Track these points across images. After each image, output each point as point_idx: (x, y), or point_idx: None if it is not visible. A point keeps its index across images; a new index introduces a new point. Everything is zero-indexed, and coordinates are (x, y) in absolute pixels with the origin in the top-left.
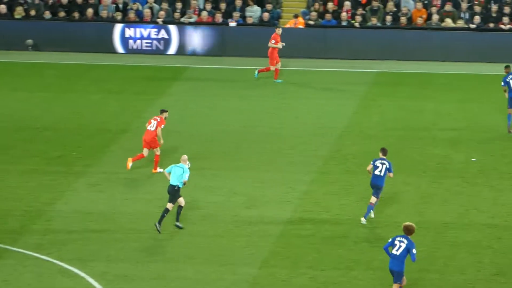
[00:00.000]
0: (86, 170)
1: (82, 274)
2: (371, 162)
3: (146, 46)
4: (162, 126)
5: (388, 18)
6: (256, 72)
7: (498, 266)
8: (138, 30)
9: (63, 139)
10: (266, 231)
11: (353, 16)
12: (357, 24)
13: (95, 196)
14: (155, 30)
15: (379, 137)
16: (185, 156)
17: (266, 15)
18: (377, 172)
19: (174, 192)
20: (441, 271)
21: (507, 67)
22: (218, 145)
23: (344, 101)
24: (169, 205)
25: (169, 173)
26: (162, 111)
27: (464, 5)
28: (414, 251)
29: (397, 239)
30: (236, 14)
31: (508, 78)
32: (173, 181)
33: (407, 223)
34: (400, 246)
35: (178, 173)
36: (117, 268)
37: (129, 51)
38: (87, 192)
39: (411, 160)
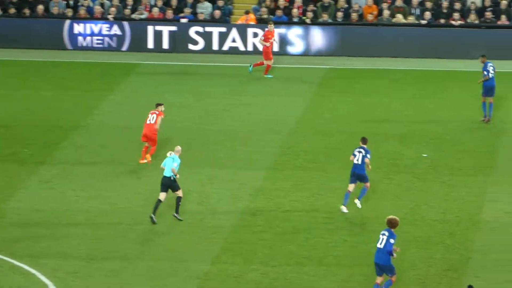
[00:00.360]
0: (38, 167)
1: (33, 271)
2: (352, 153)
3: (97, 43)
4: (161, 117)
5: (339, 14)
6: (251, 67)
7: (450, 262)
8: (88, 26)
9: (15, 136)
10: (218, 227)
11: (304, 13)
12: (308, 21)
13: (47, 193)
14: (107, 26)
15: (330, 133)
16: (178, 147)
17: (217, 12)
18: (355, 160)
19: (170, 183)
20: None
21: (483, 56)
22: (170, 142)
23: (296, 97)
24: (162, 196)
25: (164, 166)
26: (158, 105)
27: (415, 1)
28: (391, 241)
29: (382, 233)
30: (187, 10)
31: (488, 66)
32: (167, 172)
33: (390, 216)
34: (383, 239)
35: (170, 164)
36: (69, 265)
37: (79, 47)
38: (39, 189)
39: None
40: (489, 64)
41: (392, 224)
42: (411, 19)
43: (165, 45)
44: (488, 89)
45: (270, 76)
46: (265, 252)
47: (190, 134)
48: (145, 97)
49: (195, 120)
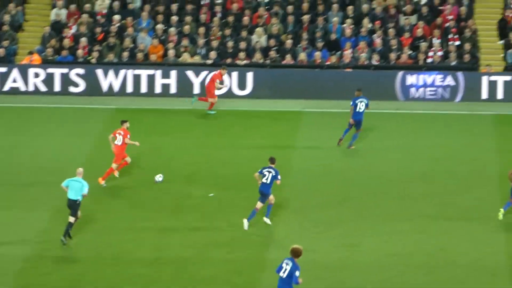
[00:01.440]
0: None
1: None
2: (259, 171)
3: None
4: (128, 136)
5: (125, 54)
6: (194, 98)
7: None
8: None
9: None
10: (3, 270)
11: (89, 53)
12: (93, 60)
13: None
14: None
15: (116, 175)
16: (80, 169)
17: (1, 51)
18: (264, 180)
19: (75, 206)
20: None
21: (359, 90)
22: None
23: (81, 138)
24: (72, 219)
25: (67, 187)
26: (123, 122)
27: (201, 41)
28: (297, 273)
29: (285, 261)
30: None
31: (357, 100)
32: (72, 195)
33: (294, 246)
34: (286, 269)
35: (77, 187)
36: None
37: None
38: None
39: (150, 196)
40: (359, 99)
41: (295, 253)
42: (197, 59)
43: None
44: (355, 121)
45: (213, 112)
46: None
47: None
48: None
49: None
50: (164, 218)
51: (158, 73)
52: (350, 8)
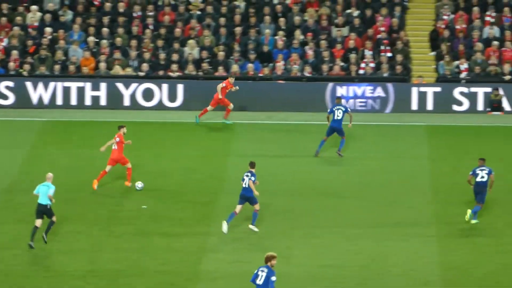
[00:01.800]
0: None
1: None
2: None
3: None
4: (117, 139)
5: (57, 67)
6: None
7: None
8: None
9: None
10: None
11: (21, 65)
12: (25, 73)
13: None
14: None
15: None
16: (50, 174)
17: None
18: (244, 184)
19: (46, 211)
20: None
21: (338, 98)
22: None
23: (12, 150)
24: (38, 222)
25: (38, 193)
26: (120, 127)
27: (133, 53)
28: (273, 278)
29: (260, 269)
30: None
31: (335, 108)
32: (42, 200)
33: (268, 253)
34: (262, 276)
35: (45, 191)
36: None
37: None
38: None
39: (83, 208)
40: (338, 107)
41: (269, 260)
42: (129, 71)
43: None
44: (331, 129)
45: (229, 122)
46: None
47: None
48: None
49: None
50: (97, 231)
51: (88, 85)
52: (282, 20)
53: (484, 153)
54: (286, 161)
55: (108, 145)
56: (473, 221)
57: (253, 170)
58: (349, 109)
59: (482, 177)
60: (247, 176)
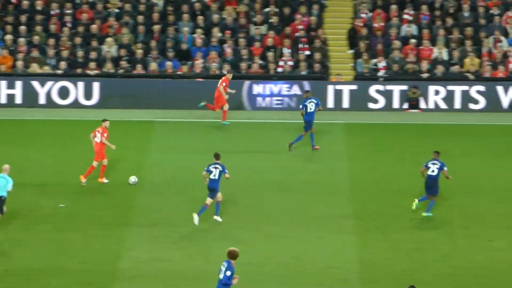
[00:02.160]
0: None
1: None
2: (205, 169)
3: None
4: (105, 134)
5: None
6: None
7: None
8: None
9: None
10: None
11: None
12: None
13: None
14: None
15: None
16: (6, 166)
17: None
18: (212, 176)
19: (0, 202)
20: None
21: (307, 92)
22: None
23: None
24: None
25: None
26: (104, 121)
27: (50, 51)
28: (227, 273)
29: (223, 264)
30: None
31: (307, 102)
32: (1, 192)
33: (231, 248)
34: (222, 270)
35: (2, 183)
36: None
37: None
38: None
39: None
40: (309, 100)
41: (231, 255)
42: (46, 69)
43: None
44: (306, 122)
45: (227, 123)
46: None
47: None
48: None
49: None
50: (14, 229)
51: (4, 83)
52: (200, 18)
53: (402, 151)
54: (202, 157)
55: (92, 139)
56: (425, 214)
57: (219, 161)
58: (319, 103)
59: (433, 171)
60: (216, 168)
